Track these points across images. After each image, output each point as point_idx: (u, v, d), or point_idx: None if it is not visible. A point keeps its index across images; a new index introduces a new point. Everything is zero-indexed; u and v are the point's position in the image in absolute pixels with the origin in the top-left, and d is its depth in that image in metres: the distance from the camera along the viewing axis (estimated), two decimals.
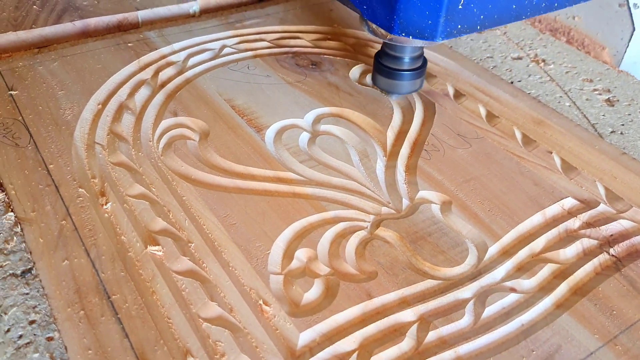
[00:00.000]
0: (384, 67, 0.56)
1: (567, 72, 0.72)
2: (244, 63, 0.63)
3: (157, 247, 0.41)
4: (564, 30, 0.73)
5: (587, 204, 0.49)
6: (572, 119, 0.63)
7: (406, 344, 0.37)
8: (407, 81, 0.56)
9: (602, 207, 0.48)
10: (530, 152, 0.54)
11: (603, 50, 0.73)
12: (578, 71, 0.72)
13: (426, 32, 0.46)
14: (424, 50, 0.58)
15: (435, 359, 0.36)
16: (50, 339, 0.38)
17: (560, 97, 0.67)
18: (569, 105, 0.66)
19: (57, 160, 0.48)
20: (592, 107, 0.66)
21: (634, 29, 0.69)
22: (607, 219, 0.47)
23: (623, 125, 0.63)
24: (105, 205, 0.44)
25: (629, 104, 0.67)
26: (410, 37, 0.47)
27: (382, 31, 0.50)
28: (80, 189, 0.46)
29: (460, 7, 0.45)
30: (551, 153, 0.54)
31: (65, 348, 0.35)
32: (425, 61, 0.57)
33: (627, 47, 0.69)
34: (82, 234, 0.42)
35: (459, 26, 0.46)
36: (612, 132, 0.62)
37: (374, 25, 0.50)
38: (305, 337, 0.37)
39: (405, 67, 0.56)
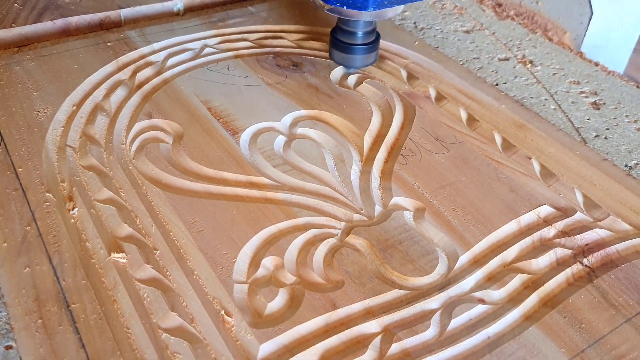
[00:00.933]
0: (338, 41, 0.59)
1: (554, 74, 0.71)
2: (224, 64, 0.63)
3: (120, 255, 0.41)
4: (527, 15, 0.72)
5: (564, 212, 0.48)
6: (556, 122, 0.62)
7: (368, 357, 0.37)
8: (360, 55, 0.60)
9: (579, 216, 0.47)
10: (509, 158, 0.53)
11: (564, 35, 0.73)
12: (565, 73, 0.71)
13: (359, 2, 0.52)
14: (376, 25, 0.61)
15: None
16: (8, 347, 0.37)
17: (546, 99, 0.66)
18: (554, 109, 0.65)
19: (27, 163, 0.48)
20: (578, 110, 0.65)
21: (592, 13, 0.68)
22: (583, 228, 0.46)
23: (608, 129, 0.62)
24: (72, 210, 0.44)
25: (616, 108, 0.66)
26: (345, 7, 0.52)
27: (320, 1, 0.54)
28: (47, 194, 0.45)
29: None
30: (530, 159, 0.53)
31: (20, 358, 0.34)
32: (378, 36, 0.61)
33: (586, 30, 0.69)
34: (46, 240, 0.42)
35: None
36: (596, 136, 0.61)
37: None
38: (265, 349, 0.36)
39: (359, 42, 0.59)
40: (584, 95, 0.68)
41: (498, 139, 0.55)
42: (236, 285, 0.40)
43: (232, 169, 0.49)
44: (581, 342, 0.38)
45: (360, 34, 0.59)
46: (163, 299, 0.39)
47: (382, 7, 0.51)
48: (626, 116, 0.64)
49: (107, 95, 0.57)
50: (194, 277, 0.40)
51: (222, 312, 0.38)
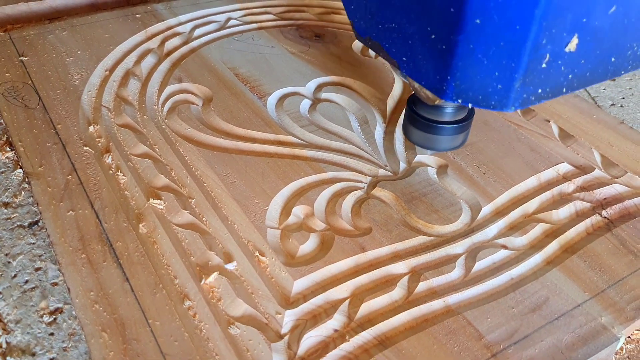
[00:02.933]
0: (418, 116, 0.42)
1: None
2: (249, 34, 0.65)
3: (158, 201, 0.43)
4: None
5: (582, 170, 0.49)
6: (575, 93, 0.63)
7: (397, 293, 0.38)
8: (448, 136, 0.42)
9: (597, 173, 0.49)
10: (528, 121, 0.55)
11: None
12: None
13: (493, 99, 0.33)
14: None
15: (425, 307, 0.37)
16: (54, 284, 0.39)
17: None
18: None
19: (65, 121, 0.50)
20: None
21: None
22: (601, 184, 0.48)
23: (623, 98, 0.64)
24: (110, 162, 0.46)
25: (631, 78, 0.67)
26: (470, 104, 0.34)
27: (428, 93, 0.39)
28: (85, 147, 0.47)
29: (544, 65, 0.32)
30: (549, 122, 0.55)
31: (68, 290, 0.36)
32: (472, 110, 0.43)
33: None
34: (87, 188, 0.43)
35: (539, 90, 0.34)
36: (612, 104, 0.62)
37: (415, 84, 0.39)
38: (299, 285, 0.38)
39: (447, 119, 0.42)
40: None
41: None
42: (269, 229, 0.42)
43: (260, 129, 0.51)
44: (601, 283, 0.40)
45: (450, 109, 0.42)
46: (201, 240, 0.40)
47: (526, 105, 0.34)
48: None
49: (138, 62, 0.58)
50: (229, 222, 0.42)
51: (257, 253, 0.40)
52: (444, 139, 0.43)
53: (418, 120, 0.42)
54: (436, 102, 0.40)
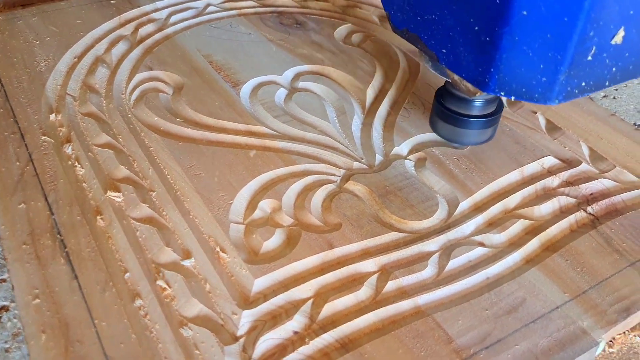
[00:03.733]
0: (446, 110, 0.42)
1: None
2: (227, 21, 0.62)
3: (116, 194, 0.41)
4: None
5: (569, 163, 0.47)
6: None
7: (364, 293, 0.36)
8: (477, 130, 0.43)
9: (584, 167, 0.47)
10: (514, 112, 0.52)
11: None
12: None
13: (537, 92, 0.33)
14: None
15: (392, 307, 0.35)
16: (3, 280, 0.37)
17: None
18: None
19: (26, 109, 0.48)
20: None
21: None
22: (588, 178, 0.45)
23: (616, 90, 0.61)
24: (70, 152, 0.44)
25: None
26: (512, 97, 0.34)
27: (469, 85, 0.38)
28: (45, 137, 0.45)
29: (589, 58, 0.32)
30: (535, 113, 0.52)
31: (12, 287, 0.34)
32: (500, 104, 0.44)
33: None
34: (43, 180, 0.41)
35: (583, 83, 0.33)
36: (604, 96, 0.60)
37: (455, 76, 0.38)
38: (260, 284, 0.36)
39: (476, 113, 0.42)
40: None
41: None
42: (232, 224, 0.39)
43: (231, 119, 0.49)
44: (583, 283, 0.37)
45: (479, 102, 0.42)
46: (158, 235, 0.38)
47: (570, 99, 0.33)
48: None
49: (109, 49, 0.56)
50: (190, 216, 0.40)
51: (218, 249, 0.38)
52: (472, 133, 0.42)
53: (447, 114, 0.42)
54: (477, 95, 0.39)
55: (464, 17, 0.33)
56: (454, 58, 0.35)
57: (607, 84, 0.34)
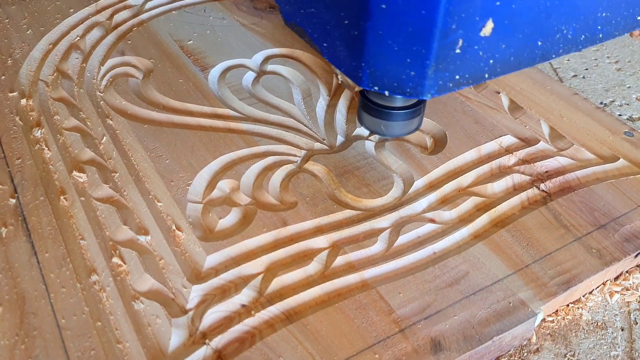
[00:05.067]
0: (370, 103, 0.40)
1: None
2: (201, 6, 0.63)
3: (80, 174, 0.42)
4: None
5: (527, 142, 0.48)
6: None
7: (312, 268, 0.37)
8: (401, 121, 0.41)
9: (542, 145, 0.47)
10: (478, 93, 0.53)
11: None
12: None
13: (407, 86, 0.32)
14: None
15: (339, 281, 0.37)
16: None
17: None
18: None
19: None
20: None
21: None
22: (544, 156, 0.46)
23: (587, 69, 0.61)
24: (39, 135, 0.45)
25: (597, 49, 0.65)
26: (386, 92, 0.33)
27: (348, 80, 0.37)
28: (16, 120, 0.46)
29: (457, 50, 0.31)
30: (499, 93, 0.53)
31: None
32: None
33: None
34: (10, 162, 0.43)
35: (457, 77, 0.32)
36: (574, 75, 0.60)
37: (337, 71, 0.37)
38: (212, 260, 0.37)
39: (399, 105, 0.40)
40: None
41: None
42: (190, 204, 0.41)
43: (198, 102, 0.50)
44: (527, 257, 0.38)
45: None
46: (117, 214, 0.40)
47: (445, 92, 0.33)
48: (607, 57, 0.63)
49: (84, 35, 0.57)
50: (150, 196, 0.41)
51: (174, 227, 0.39)
52: (397, 125, 0.41)
53: (371, 106, 0.40)
54: (356, 89, 0.38)
55: (336, 11, 0.32)
56: (333, 52, 0.35)
57: (486, 76, 0.33)
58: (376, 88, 0.33)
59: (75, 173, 0.42)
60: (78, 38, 0.57)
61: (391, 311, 0.35)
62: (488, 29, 0.31)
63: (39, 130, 0.46)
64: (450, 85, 0.32)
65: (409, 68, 0.31)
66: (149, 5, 0.63)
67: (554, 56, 0.36)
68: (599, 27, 0.36)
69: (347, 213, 0.41)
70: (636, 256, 0.39)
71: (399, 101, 0.40)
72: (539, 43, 0.34)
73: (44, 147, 0.44)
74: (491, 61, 0.33)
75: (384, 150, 0.46)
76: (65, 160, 0.43)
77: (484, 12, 0.30)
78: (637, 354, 0.35)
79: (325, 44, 0.35)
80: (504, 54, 0.33)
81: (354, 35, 0.32)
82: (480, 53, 0.32)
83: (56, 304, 0.34)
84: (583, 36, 0.36)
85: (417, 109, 0.40)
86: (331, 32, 0.34)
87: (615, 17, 0.37)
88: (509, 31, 0.32)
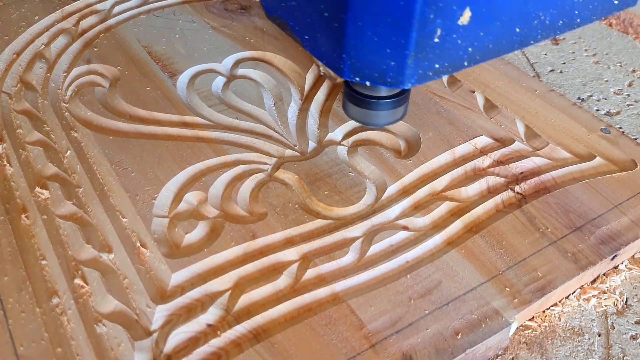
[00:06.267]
0: (355, 93, 0.41)
1: None
2: (171, 10, 0.62)
3: (43, 191, 0.41)
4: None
5: (502, 142, 0.47)
6: (510, 58, 0.60)
7: (282, 282, 0.36)
8: (387, 110, 0.41)
9: (517, 145, 0.46)
10: (453, 92, 0.52)
11: None
12: None
13: (388, 76, 0.32)
14: None
15: (309, 296, 0.36)
16: None
17: None
18: None
19: None
20: (535, 46, 0.63)
21: None
22: (520, 157, 0.45)
23: (564, 63, 0.61)
24: (1, 151, 0.44)
25: (575, 42, 0.64)
26: (368, 82, 0.33)
27: (330, 71, 0.37)
28: None
29: (436, 40, 0.31)
30: (473, 92, 0.52)
31: None
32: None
33: None
34: None
35: (436, 65, 0.32)
36: (551, 70, 0.60)
37: (319, 62, 0.38)
38: (178, 277, 0.36)
39: (384, 94, 0.41)
40: None
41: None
42: (155, 219, 0.40)
43: (166, 110, 0.49)
44: (501, 264, 0.38)
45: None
46: (80, 232, 0.38)
47: (425, 81, 0.33)
48: (585, 50, 0.63)
49: (49, 43, 0.56)
50: (115, 212, 0.40)
51: (138, 244, 0.38)
52: (383, 114, 0.41)
53: (356, 97, 0.41)
54: (337, 81, 0.37)
55: (316, 3, 0.33)
56: (314, 44, 0.35)
57: (466, 64, 0.33)
58: (358, 79, 0.33)
59: (37, 189, 0.41)
60: (43, 46, 0.55)
61: (362, 326, 0.34)
62: (466, 17, 0.31)
63: (1, 146, 0.44)
64: (430, 74, 0.33)
65: (389, 58, 0.32)
66: (116, 9, 0.61)
67: (532, 42, 0.36)
68: (576, 12, 0.37)
69: (318, 223, 0.40)
70: (612, 259, 0.39)
71: (384, 91, 0.40)
72: (517, 30, 0.35)
73: (5, 163, 0.43)
74: (470, 49, 0.33)
75: (357, 156, 0.45)
76: (28, 177, 0.42)
77: (462, 1, 0.31)
78: None
79: (306, 37, 0.35)
80: (482, 41, 0.33)
81: (334, 27, 0.32)
82: (459, 41, 0.32)
83: (15, 331, 0.33)
84: (561, 21, 0.37)
85: (403, 97, 0.41)
86: (312, 24, 0.34)
87: (592, 2, 0.37)
88: (487, 19, 0.32)
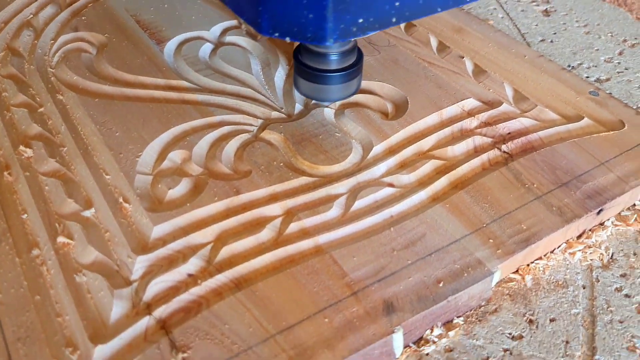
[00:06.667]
0: (304, 67, 0.39)
1: None
2: None
3: (26, 149, 0.41)
4: None
5: (490, 105, 0.47)
6: (502, 29, 0.60)
7: (265, 235, 0.36)
8: (338, 85, 0.39)
9: (505, 107, 0.46)
10: (442, 59, 0.52)
11: None
12: None
13: (308, 31, 0.30)
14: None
15: (292, 247, 0.35)
16: None
17: (494, 9, 0.64)
18: (502, 17, 0.63)
19: None
20: (527, 17, 0.63)
21: None
22: (507, 118, 0.45)
23: (555, 34, 0.60)
24: None
25: (566, 14, 0.64)
26: (287, 38, 0.31)
27: (250, 29, 0.36)
28: None
29: None
30: (463, 58, 0.52)
31: None
32: (360, 54, 0.40)
33: None
34: None
35: (360, 20, 0.31)
36: (541, 40, 0.59)
37: (241, 20, 0.36)
38: (159, 230, 0.36)
39: (334, 67, 0.39)
40: (535, 4, 0.65)
41: (434, 42, 0.54)
42: (139, 175, 0.39)
43: (152, 75, 0.48)
44: (485, 217, 0.37)
45: (335, 56, 0.38)
46: (62, 188, 0.38)
47: (349, 37, 0.31)
48: (576, 21, 0.62)
49: (37, 13, 0.56)
50: (99, 170, 0.40)
51: (121, 200, 0.38)
52: (335, 88, 0.39)
53: (306, 71, 0.39)
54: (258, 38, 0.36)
55: None
56: (235, 0, 0.33)
57: (394, 20, 0.31)
58: (277, 34, 0.31)
59: (21, 147, 0.41)
60: (31, 16, 0.55)
61: (344, 275, 0.34)
62: None
63: None
64: (354, 29, 0.31)
65: (307, 10, 0.30)
66: None
67: (469, 1, 0.34)
68: None
69: (303, 180, 0.40)
70: (598, 213, 0.38)
71: (335, 63, 0.38)
72: None
73: None
74: (397, 3, 0.31)
75: (343, 117, 0.45)
76: (11, 136, 0.42)
77: None
78: (598, 311, 0.34)
79: None
80: None
81: None
82: None
83: None
84: None
85: (355, 69, 0.38)
86: None
87: None
88: None
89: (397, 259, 0.35)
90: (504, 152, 0.42)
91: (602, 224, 0.40)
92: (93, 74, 0.48)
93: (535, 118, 0.45)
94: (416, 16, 0.32)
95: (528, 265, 0.37)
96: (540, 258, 0.37)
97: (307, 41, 0.31)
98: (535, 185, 0.40)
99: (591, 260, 0.37)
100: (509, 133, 0.44)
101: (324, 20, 0.30)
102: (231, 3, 0.34)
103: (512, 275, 0.36)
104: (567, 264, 0.37)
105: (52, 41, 0.52)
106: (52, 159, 0.40)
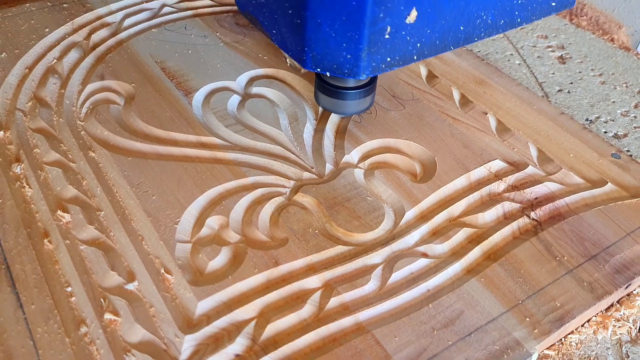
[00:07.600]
0: (325, 83, 0.46)
1: (522, 28, 0.70)
2: (182, 23, 0.62)
3: (64, 214, 0.41)
4: (576, 7, 0.69)
5: (516, 166, 0.48)
6: (520, 77, 0.61)
7: (306, 311, 0.37)
8: (354, 100, 0.46)
9: (531, 170, 0.47)
10: (466, 114, 0.53)
11: (620, 30, 0.69)
12: (533, 27, 0.70)
13: (346, 67, 0.37)
14: None
15: (334, 325, 0.36)
16: None
17: (511, 54, 0.65)
18: (519, 64, 0.64)
19: None
20: (543, 65, 0.64)
21: None
22: (534, 182, 0.46)
23: (572, 83, 0.61)
24: (19, 172, 0.44)
25: (582, 61, 0.65)
26: (328, 73, 0.38)
27: (295, 63, 0.44)
28: None
29: (387, 36, 0.36)
30: (486, 114, 0.53)
31: None
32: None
33: None
34: None
35: (388, 59, 0.37)
36: (559, 90, 0.60)
37: (286, 55, 0.43)
38: (203, 306, 0.36)
39: (352, 85, 0.45)
40: (550, 49, 0.67)
41: (456, 95, 0.55)
42: (178, 244, 0.40)
43: (182, 130, 0.49)
44: (520, 293, 0.38)
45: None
46: (104, 258, 0.39)
47: (379, 72, 0.38)
48: (591, 70, 0.64)
49: (61, 57, 0.56)
50: (138, 237, 0.40)
51: (163, 271, 0.38)
52: (351, 104, 0.46)
53: (325, 87, 0.46)
54: (302, 71, 0.45)
55: (281, 1, 0.37)
56: (281, 38, 0.39)
57: (415, 57, 0.38)
58: (319, 70, 0.38)
59: (59, 213, 0.41)
60: (55, 61, 0.55)
61: (388, 357, 0.35)
62: (412, 16, 0.36)
63: (19, 166, 0.44)
64: (383, 66, 0.38)
65: (345, 51, 0.37)
66: (127, 22, 0.61)
67: (476, 39, 0.41)
68: (517, 13, 0.42)
69: (339, 249, 0.41)
70: (626, 287, 0.40)
71: (351, 82, 0.45)
72: (462, 28, 0.39)
73: (24, 184, 0.43)
74: (418, 44, 0.38)
75: (374, 179, 0.46)
76: (48, 199, 0.42)
77: (408, 2, 0.35)
78: None
79: (274, 31, 0.40)
80: (429, 38, 0.38)
81: (297, 23, 0.37)
82: (408, 38, 0.37)
83: None
84: (502, 21, 0.41)
85: (369, 87, 0.45)
86: (278, 20, 0.39)
87: (530, 4, 0.42)
88: (433, 18, 0.37)
89: (437, 339, 0.36)
90: (533, 219, 0.43)
91: (629, 295, 0.41)
92: (123, 128, 0.49)
93: (560, 182, 0.46)
94: (432, 54, 0.39)
95: (561, 340, 0.38)
96: (571, 332, 0.38)
97: (344, 76, 0.38)
98: (565, 258, 0.41)
99: (620, 334, 0.39)
100: (536, 198, 0.45)
101: (359, 60, 0.37)
102: (278, 40, 0.40)
103: (547, 352, 0.37)
104: (597, 339, 0.38)
105: (79, 90, 0.52)
106: (90, 225, 0.41)
